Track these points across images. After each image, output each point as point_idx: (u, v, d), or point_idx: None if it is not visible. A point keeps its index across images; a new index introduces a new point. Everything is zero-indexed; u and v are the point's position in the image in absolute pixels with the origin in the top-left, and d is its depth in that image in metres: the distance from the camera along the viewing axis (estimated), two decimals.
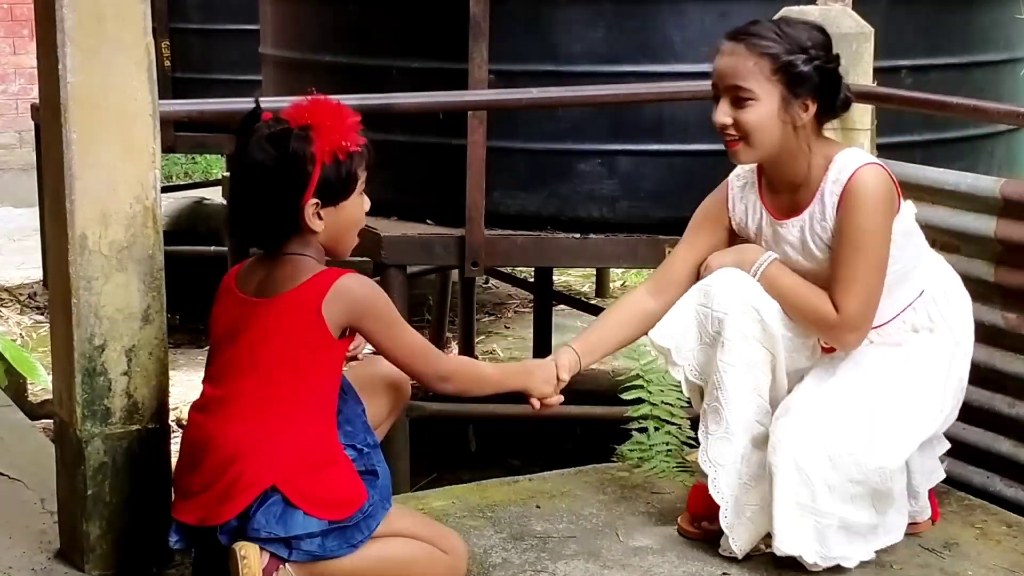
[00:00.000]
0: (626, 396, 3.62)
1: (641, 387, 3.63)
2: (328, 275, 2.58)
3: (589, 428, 4.84)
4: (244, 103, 3.99)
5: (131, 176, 2.75)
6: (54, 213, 2.77)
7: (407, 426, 4.37)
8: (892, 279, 2.85)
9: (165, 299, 2.83)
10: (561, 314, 6.96)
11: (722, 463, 2.89)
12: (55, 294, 2.84)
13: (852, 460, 2.79)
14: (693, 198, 4.34)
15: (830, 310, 2.83)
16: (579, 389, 6.17)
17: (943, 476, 3.12)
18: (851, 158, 2.82)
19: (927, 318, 2.92)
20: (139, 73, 2.73)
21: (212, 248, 6.69)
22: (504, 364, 2.88)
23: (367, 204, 2.68)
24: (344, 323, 2.58)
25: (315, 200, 2.56)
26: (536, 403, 2.91)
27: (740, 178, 2.99)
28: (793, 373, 2.94)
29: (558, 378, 2.92)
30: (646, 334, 3.02)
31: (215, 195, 7.99)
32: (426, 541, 2.68)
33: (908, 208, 2.91)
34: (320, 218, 2.58)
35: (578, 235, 4.33)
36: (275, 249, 2.62)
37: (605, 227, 4.34)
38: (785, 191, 2.90)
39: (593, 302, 7.24)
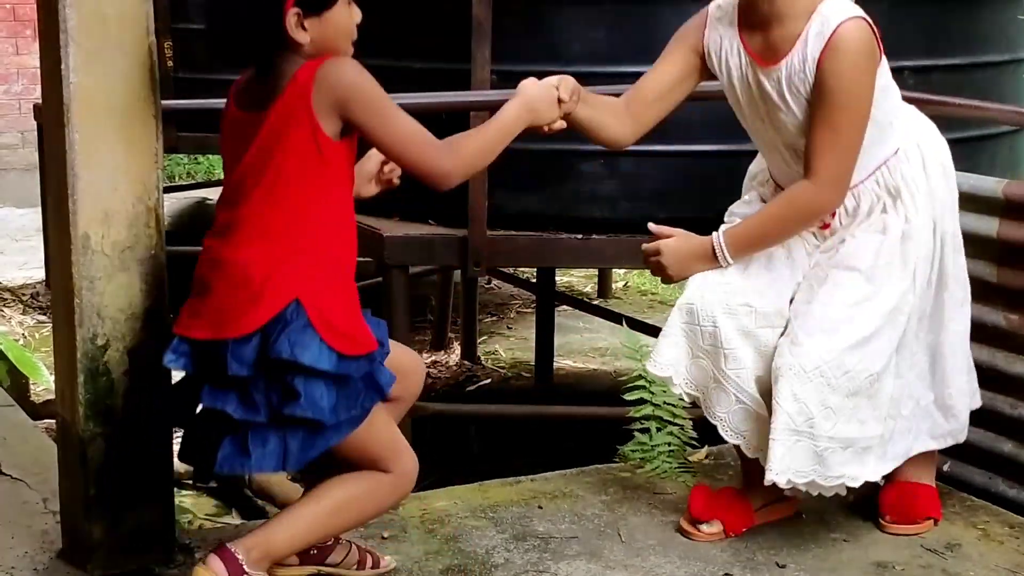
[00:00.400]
0: (628, 397, 3.62)
1: (643, 387, 3.63)
2: (310, 66, 2.47)
3: (591, 428, 4.83)
4: None
5: (134, 176, 2.75)
6: (57, 213, 2.77)
7: (409, 426, 4.37)
8: (868, 137, 2.84)
9: (168, 299, 2.83)
10: (563, 315, 6.96)
11: None
12: (57, 294, 2.84)
13: (846, 377, 2.83)
14: (695, 198, 4.36)
15: (803, 195, 2.84)
16: (581, 389, 6.23)
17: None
18: (835, 10, 2.79)
19: (901, 177, 2.91)
20: (142, 73, 2.73)
21: None
22: (503, 114, 2.70)
23: (358, 15, 2.57)
24: (335, 113, 2.47)
25: (296, 9, 2.46)
26: (545, 129, 2.81)
27: (720, 8, 2.96)
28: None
29: (560, 100, 2.79)
30: (609, 134, 3.00)
31: (218, 196, 7.99)
32: (370, 460, 2.61)
33: (883, 61, 2.90)
34: (304, 29, 2.48)
35: (580, 236, 4.32)
36: (265, 67, 2.52)
37: (607, 227, 4.33)
38: (760, 28, 2.86)
39: (595, 302, 7.24)
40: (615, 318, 6.11)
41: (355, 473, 2.63)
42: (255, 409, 2.49)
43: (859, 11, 2.82)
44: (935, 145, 3.00)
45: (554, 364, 6.44)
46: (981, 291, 3.20)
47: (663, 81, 3.00)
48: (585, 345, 6.95)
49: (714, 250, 2.91)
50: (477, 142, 2.67)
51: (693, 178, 4.29)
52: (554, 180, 4.36)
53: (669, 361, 2.98)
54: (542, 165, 4.36)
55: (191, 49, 6.58)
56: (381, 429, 2.63)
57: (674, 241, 2.95)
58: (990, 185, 3.33)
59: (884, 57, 2.88)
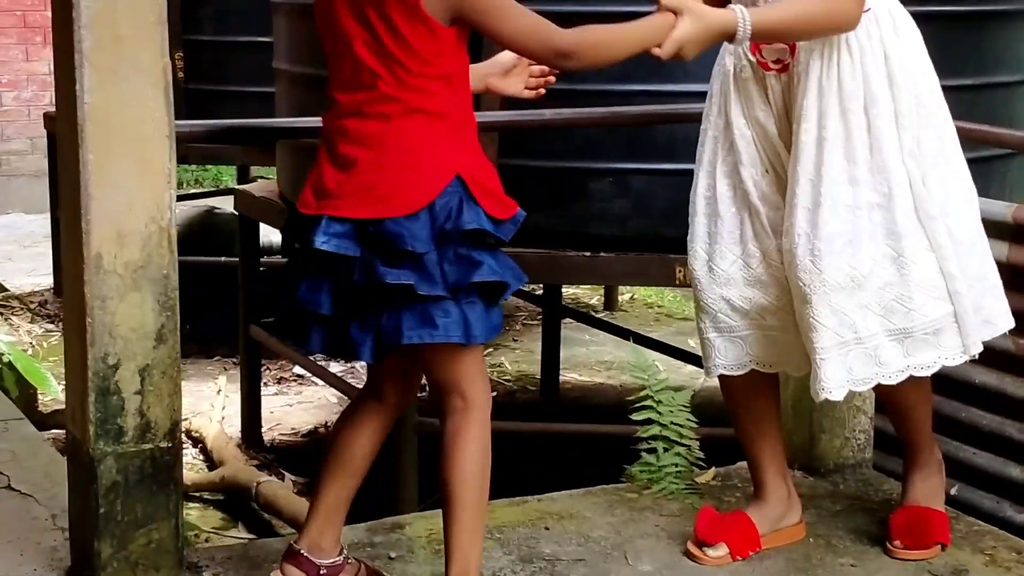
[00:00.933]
0: (636, 416, 3.62)
1: (651, 407, 3.63)
2: None
3: (598, 443, 4.83)
4: (257, 122, 4.03)
5: (147, 196, 2.76)
6: (70, 232, 2.78)
7: (416, 443, 4.38)
8: None
9: (179, 318, 2.84)
10: (569, 327, 6.96)
11: None
12: (69, 313, 2.85)
13: (872, 271, 2.79)
14: None
15: (843, 11, 2.72)
16: (587, 403, 6.24)
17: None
18: None
19: (867, 36, 2.81)
20: (156, 94, 2.74)
21: (223, 259, 6.69)
22: (643, 22, 2.66)
23: None
24: (449, 12, 2.51)
25: None
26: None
27: None
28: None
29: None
30: None
31: (227, 204, 7.99)
32: (458, 378, 2.62)
33: None
34: None
35: (589, 253, 4.33)
36: None
37: (616, 245, 4.33)
38: None
39: (601, 315, 7.25)
40: (622, 333, 6.12)
41: (455, 454, 2.63)
42: (434, 283, 2.51)
43: None
44: (909, 25, 2.90)
45: (560, 377, 6.45)
46: None
47: None
48: (591, 358, 6.95)
49: (736, 29, 2.69)
50: (606, 35, 2.64)
51: None
52: (563, 197, 4.36)
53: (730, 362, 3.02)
54: (551, 183, 4.36)
55: (201, 60, 6.61)
56: (481, 359, 2.68)
57: (691, 26, 2.65)
58: (1000, 209, 3.34)
59: None
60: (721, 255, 2.98)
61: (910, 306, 2.82)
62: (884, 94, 2.82)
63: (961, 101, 4.40)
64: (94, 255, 2.72)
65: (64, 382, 2.97)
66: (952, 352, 2.87)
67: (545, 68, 2.88)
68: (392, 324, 2.53)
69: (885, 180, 2.82)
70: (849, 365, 2.82)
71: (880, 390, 2.98)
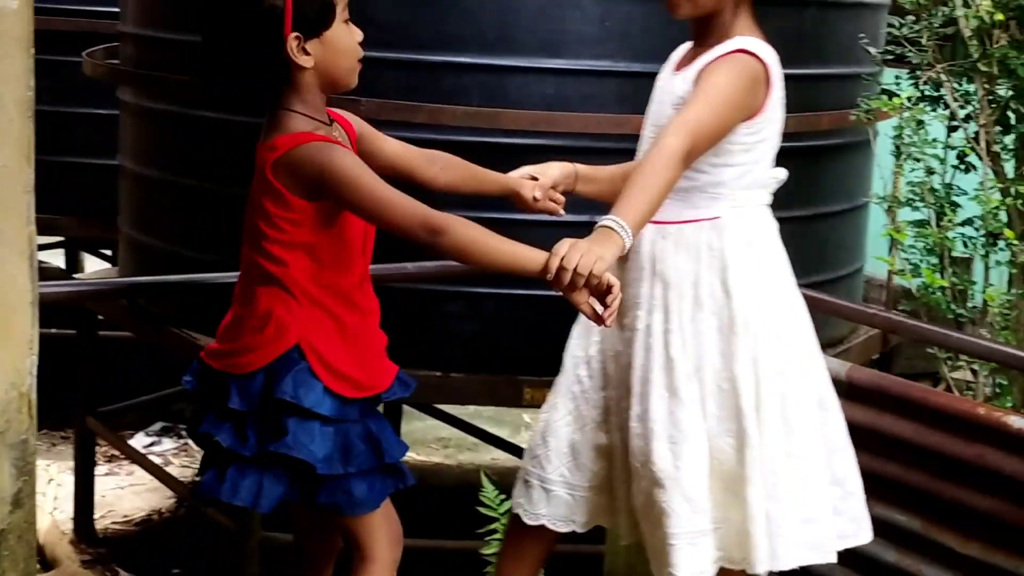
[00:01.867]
0: (486, 551, 3.69)
1: (500, 540, 3.71)
2: (287, 140, 2.57)
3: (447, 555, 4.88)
4: (124, 281, 3.97)
5: (7, 363, 2.73)
6: None
7: (259, 558, 4.36)
8: (700, 180, 2.88)
9: (36, 483, 2.81)
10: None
11: None
12: None
13: (718, 461, 2.87)
14: (551, 340, 4.46)
15: (660, 158, 2.72)
16: (427, 485, 6.24)
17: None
18: (745, 41, 2.86)
19: (708, 248, 2.87)
20: (20, 262, 2.71)
21: (53, 330, 6.50)
22: (525, 250, 2.65)
23: (358, 34, 2.64)
24: (304, 192, 2.56)
25: (295, 34, 2.54)
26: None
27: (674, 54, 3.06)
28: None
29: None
30: None
31: (53, 258, 7.77)
32: (355, 537, 2.71)
33: (771, 125, 2.91)
34: (307, 52, 2.56)
35: (439, 372, 4.39)
36: (273, 106, 2.61)
37: (466, 366, 4.41)
38: (690, 54, 2.96)
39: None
40: (456, 423, 6.19)
41: None
42: (243, 443, 2.58)
43: (762, 50, 2.87)
44: (766, 237, 2.98)
45: None
46: None
47: None
48: (428, 434, 7.00)
49: (618, 232, 2.67)
50: (483, 231, 2.61)
51: (550, 321, 4.38)
52: (416, 318, 4.42)
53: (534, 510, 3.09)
54: (404, 304, 4.41)
55: (41, 131, 6.40)
56: (380, 515, 2.72)
57: (577, 241, 2.64)
58: (834, 367, 3.49)
59: (767, 112, 2.88)
60: (586, 399, 3.07)
61: (747, 497, 2.88)
62: (716, 303, 2.88)
63: (794, 232, 4.62)
64: None
65: None
66: (745, 560, 2.91)
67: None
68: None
69: (699, 381, 2.88)
70: (702, 552, 2.88)
71: None
